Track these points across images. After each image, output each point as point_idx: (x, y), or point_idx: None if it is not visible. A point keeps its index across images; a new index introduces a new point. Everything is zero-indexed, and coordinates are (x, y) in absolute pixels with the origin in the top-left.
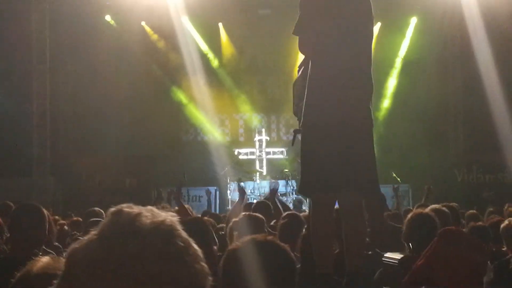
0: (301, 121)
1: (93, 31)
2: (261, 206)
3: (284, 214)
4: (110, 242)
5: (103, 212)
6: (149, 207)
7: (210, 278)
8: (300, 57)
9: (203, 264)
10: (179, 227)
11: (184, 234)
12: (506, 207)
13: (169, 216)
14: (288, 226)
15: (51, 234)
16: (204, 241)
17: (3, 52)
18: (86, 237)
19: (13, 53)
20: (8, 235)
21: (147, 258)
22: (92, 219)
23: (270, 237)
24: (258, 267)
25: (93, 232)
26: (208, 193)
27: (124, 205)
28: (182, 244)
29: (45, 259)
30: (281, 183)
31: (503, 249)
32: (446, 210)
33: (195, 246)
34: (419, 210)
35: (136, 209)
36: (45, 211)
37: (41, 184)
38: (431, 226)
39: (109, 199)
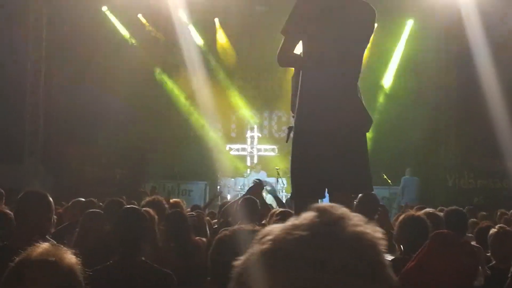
0: (293, 126)
1: (89, 22)
2: (248, 202)
3: (277, 211)
4: (310, 241)
5: (95, 201)
6: (354, 214)
7: None
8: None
9: None
10: (380, 242)
11: (383, 254)
12: (499, 214)
13: (372, 229)
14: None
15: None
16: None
17: None
18: (287, 226)
19: (9, 43)
20: None
21: (338, 268)
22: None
23: (257, 227)
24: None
25: (295, 224)
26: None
27: (328, 204)
28: (378, 263)
29: (45, 245)
30: (272, 180)
31: (487, 254)
32: (439, 214)
33: (389, 270)
34: (411, 212)
35: (339, 210)
36: (51, 199)
37: (32, 173)
38: (423, 229)
39: (98, 190)
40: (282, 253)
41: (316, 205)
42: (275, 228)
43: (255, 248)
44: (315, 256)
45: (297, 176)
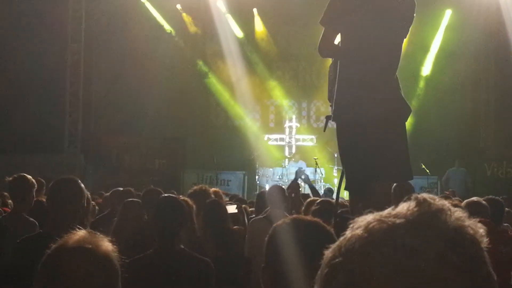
0: (333, 117)
1: (128, 12)
2: (275, 190)
3: (317, 200)
4: (405, 229)
5: (132, 191)
6: (456, 208)
7: None
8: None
9: None
10: (483, 240)
11: (484, 252)
12: None
13: (474, 225)
14: (320, 213)
15: (86, 212)
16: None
17: (39, 30)
18: (382, 214)
19: (49, 32)
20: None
21: (434, 258)
22: (128, 200)
23: (316, 218)
24: (302, 246)
25: (391, 213)
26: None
27: (427, 195)
28: (479, 259)
29: (81, 233)
30: (310, 170)
31: None
32: (484, 202)
33: (490, 268)
34: (448, 201)
35: (440, 202)
36: (83, 186)
37: (71, 162)
38: None
39: (138, 180)
40: (374, 238)
41: (415, 195)
42: (368, 216)
43: (348, 235)
44: (409, 243)
45: (347, 167)
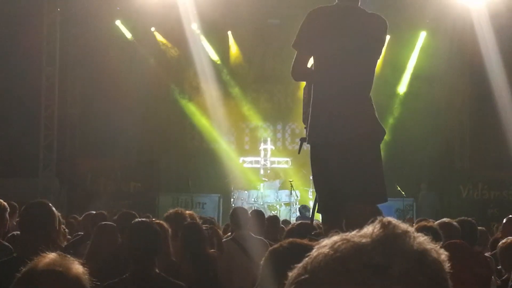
0: (307, 139)
1: (103, 36)
2: (239, 211)
3: (297, 222)
4: (370, 247)
5: (105, 214)
6: (420, 234)
7: None
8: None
9: None
10: (445, 264)
11: (447, 273)
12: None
13: (437, 249)
14: (294, 234)
15: (59, 234)
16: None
17: (14, 53)
18: (347, 234)
19: (24, 55)
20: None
21: (398, 276)
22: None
23: (313, 242)
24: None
25: (355, 233)
26: None
27: (392, 219)
28: (442, 280)
29: (51, 256)
30: (285, 192)
31: (498, 267)
32: (455, 224)
33: None
34: (423, 222)
35: (404, 225)
36: (54, 209)
37: (46, 186)
38: (435, 239)
39: (113, 203)
40: (341, 255)
41: (380, 217)
42: (334, 237)
43: (314, 253)
44: (375, 261)
45: (320, 190)
